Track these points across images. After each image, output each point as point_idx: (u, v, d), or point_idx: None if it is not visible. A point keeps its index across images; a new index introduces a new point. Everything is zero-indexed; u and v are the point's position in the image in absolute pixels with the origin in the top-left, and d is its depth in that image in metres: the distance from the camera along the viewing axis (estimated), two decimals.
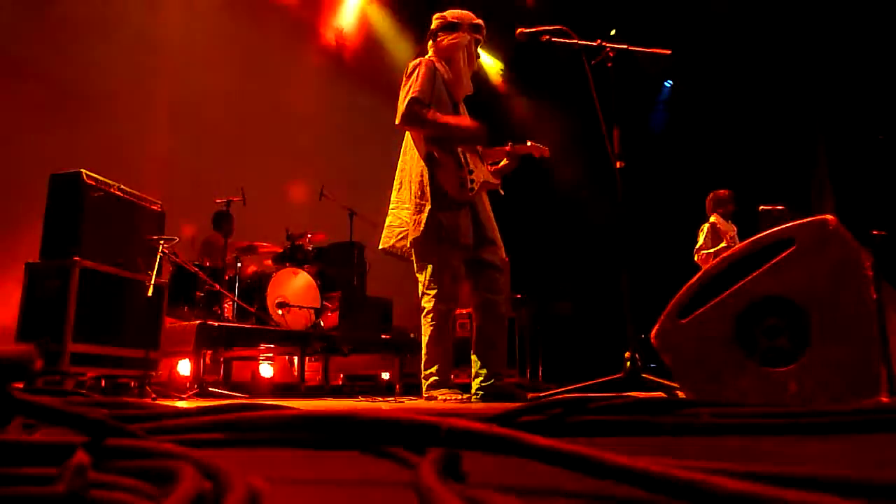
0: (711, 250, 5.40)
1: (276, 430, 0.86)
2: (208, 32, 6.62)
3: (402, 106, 3.24)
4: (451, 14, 3.50)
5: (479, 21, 3.53)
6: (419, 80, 3.26)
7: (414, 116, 3.21)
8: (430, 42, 3.50)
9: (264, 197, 6.11)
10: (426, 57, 3.42)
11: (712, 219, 5.63)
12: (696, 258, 5.56)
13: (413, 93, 3.22)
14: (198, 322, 4.41)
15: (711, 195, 5.76)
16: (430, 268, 3.23)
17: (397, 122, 3.28)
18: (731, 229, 5.56)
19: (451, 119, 3.31)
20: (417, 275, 3.31)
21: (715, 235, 5.52)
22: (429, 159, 3.27)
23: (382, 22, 8.54)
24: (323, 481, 0.73)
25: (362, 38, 8.48)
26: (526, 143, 3.61)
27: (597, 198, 8.24)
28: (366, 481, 0.72)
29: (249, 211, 5.60)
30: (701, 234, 5.61)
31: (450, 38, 3.45)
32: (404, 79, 3.35)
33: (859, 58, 7.22)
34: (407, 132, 3.42)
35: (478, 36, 3.54)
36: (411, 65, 3.38)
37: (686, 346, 1.93)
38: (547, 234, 9.27)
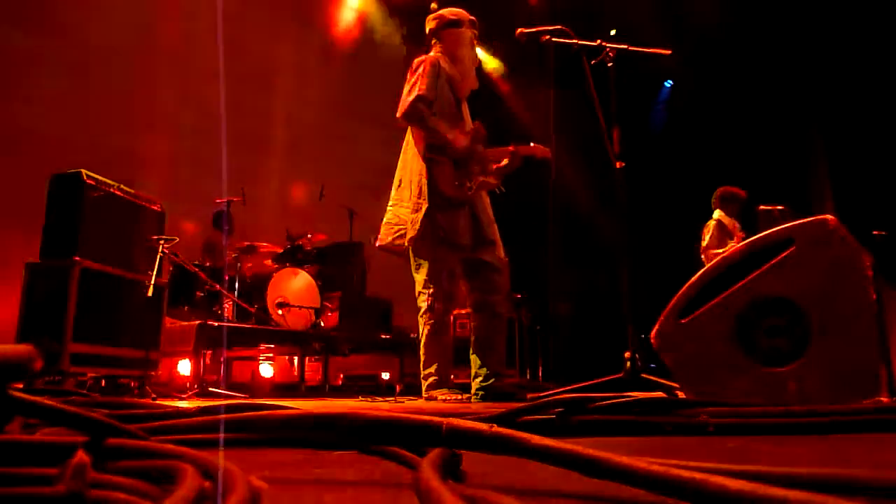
0: (720, 250, 4.94)
1: (276, 430, 0.85)
2: (208, 32, 6.62)
3: (406, 101, 3.24)
4: (450, 12, 3.52)
5: (474, 18, 3.56)
6: (425, 77, 3.25)
7: (416, 114, 3.21)
8: (434, 41, 3.51)
9: (264, 197, 6.12)
10: (431, 54, 3.42)
11: (717, 215, 5.30)
12: (703, 258, 5.21)
13: (419, 90, 3.22)
14: (198, 322, 4.41)
15: (723, 191, 5.38)
16: (427, 267, 3.23)
17: (398, 115, 3.28)
18: (736, 227, 5.23)
19: (449, 134, 3.29)
20: (415, 274, 3.31)
21: (722, 233, 5.17)
22: (428, 158, 3.27)
23: (382, 21, 8.53)
24: (323, 481, 0.73)
25: (363, 38, 8.48)
26: (528, 143, 3.61)
27: (597, 197, 8.25)
28: (366, 481, 0.72)
29: (249, 211, 5.60)
30: (707, 232, 5.27)
31: (453, 34, 3.46)
32: (409, 75, 3.35)
33: (859, 57, 7.22)
34: (409, 130, 3.42)
35: (475, 31, 3.56)
36: (416, 61, 3.38)
37: (686, 346, 1.93)
38: (547, 234, 9.26)
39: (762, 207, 3.35)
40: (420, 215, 3.20)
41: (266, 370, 6.24)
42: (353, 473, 0.77)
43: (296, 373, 5.68)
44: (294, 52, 7.67)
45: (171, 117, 6.20)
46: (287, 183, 7.27)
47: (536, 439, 0.55)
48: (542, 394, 3.18)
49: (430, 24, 3.53)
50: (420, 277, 3.26)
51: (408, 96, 3.24)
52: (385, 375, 6.23)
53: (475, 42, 3.58)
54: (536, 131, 8.78)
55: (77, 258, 3.42)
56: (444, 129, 3.26)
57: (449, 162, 3.27)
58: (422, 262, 3.25)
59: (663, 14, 7.65)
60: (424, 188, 3.23)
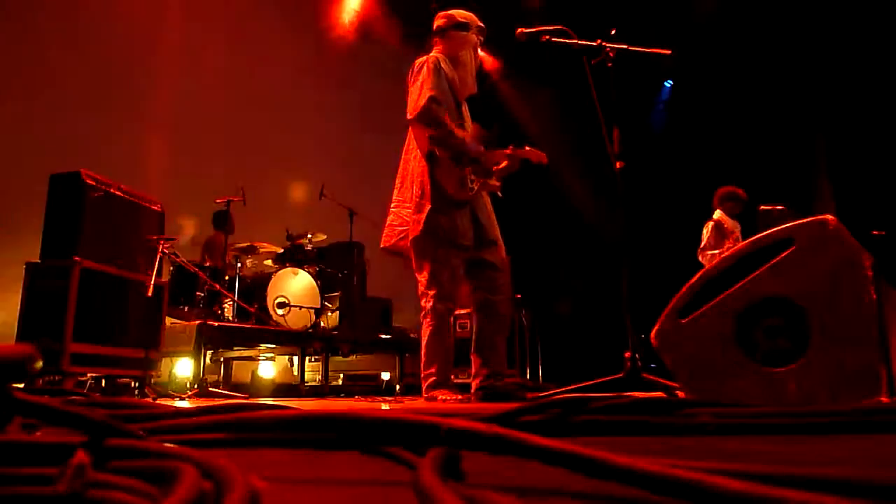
0: (717, 251, 5.05)
1: (276, 430, 0.85)
2: (208, 32, 6.62)
3: (419, 102, 3.19)
4: (460, 14, 3.50)
5: (482, 24, 3.55)
6: (430, 77, 3.24)
7: (430, 115, 3.19)
8: (438, 39, 3.50)
9: (264, 197, 6.12)
10: (432, 55, 3.41)
11: (716, 216, 5.32)
12: (700, 258, 5.25)
13: (430, 91, 3.19)
14: (198, 322, 4.41)
15: (723, 191, 5.40)
16: (429, 267, 3.23)
17: (411, 116, 3.23)
18: (736, 228, 5.26)
19: (467, 136, 3.29)
20: (417, 274, 3.31)
21: (719, 234, 5.20)
22: (430, 158, 3.26)
23: (382, 21, 8.53)
24: (323, 481, 0.73)
25: (362, 37, 8.48)
26: (524, 147, 3.61)
27: (597, 198, 8.25)
28: (366, 481, 0.72)
29: (249, 211, 5.60)
30: (705, 231, 5.29)
31: (459, 37, 3.46)
32: (411, 76, 3.33)
33: (859, 57, 7.22)
34: (410, 131, 3.41)
35: (481, 38, 3.56)
36: (418, 62, 3.36)
37: (686, 346, 1.93)
38: (547, 234, 9.27)
39: (762, 207, 3.34)
40: (422, 216, 3.20)
41: (266, 370, 6.24)
42: (353, 473, 0.77)
43: (296, 373, 5.68)
44: (294, 52, 7.67)
45: (171, 117, 6.21)
46: (287, 183, 7.27)
47: (536, 439, 0.55)
48: (542, 394, 3.18)
49: (438, 22, 3.52)
50: (422, 278, 3.26)
51: (419, 98, 3.20)
52: (385, 375, 6.23)
53: (477, 48, 3.58)
54: (536, 131, 8.80)
55: (77, 258, 3.43)
56: (458, 130, 3.25)
57: (451, 162, 3.27)
58: (424, 262, 3.25)
59: (664, 14, 7.65)
60: (427, 188, 3.23)
